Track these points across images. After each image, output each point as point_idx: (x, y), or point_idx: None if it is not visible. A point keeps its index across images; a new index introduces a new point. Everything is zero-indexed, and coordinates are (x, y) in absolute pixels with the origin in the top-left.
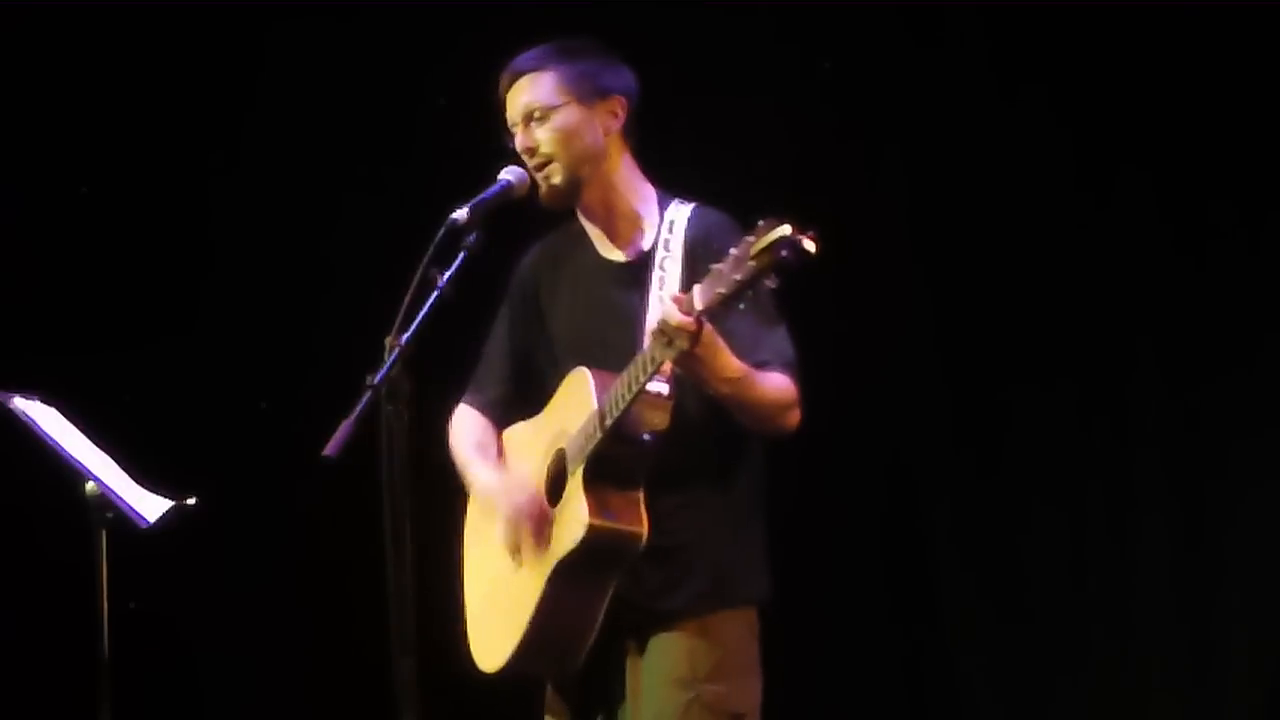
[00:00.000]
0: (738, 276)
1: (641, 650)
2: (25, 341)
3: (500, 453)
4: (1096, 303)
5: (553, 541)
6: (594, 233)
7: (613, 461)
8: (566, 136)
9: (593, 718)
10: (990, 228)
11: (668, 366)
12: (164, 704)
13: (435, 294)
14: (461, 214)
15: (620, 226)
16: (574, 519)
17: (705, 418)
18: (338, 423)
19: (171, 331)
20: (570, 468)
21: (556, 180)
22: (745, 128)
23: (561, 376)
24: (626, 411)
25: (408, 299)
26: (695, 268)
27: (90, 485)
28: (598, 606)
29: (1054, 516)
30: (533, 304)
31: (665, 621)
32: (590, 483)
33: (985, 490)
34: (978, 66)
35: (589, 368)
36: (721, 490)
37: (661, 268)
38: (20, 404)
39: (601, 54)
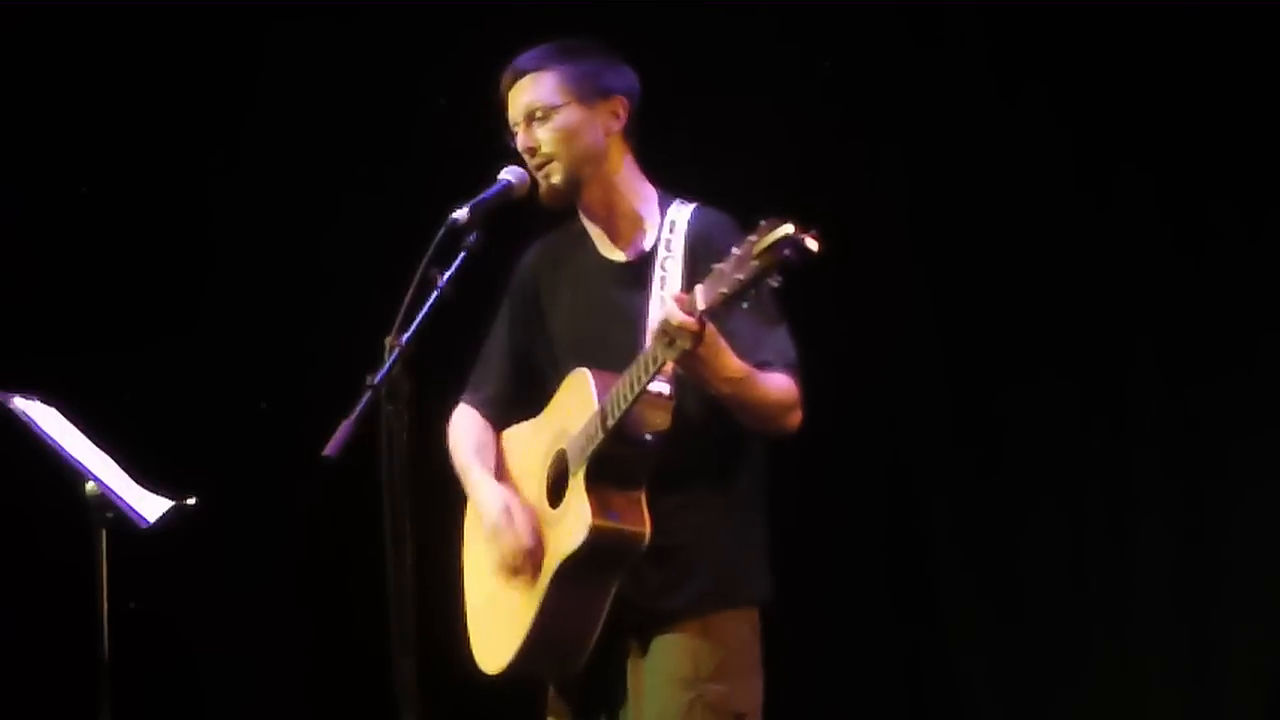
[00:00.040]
0: (740, 276)
1: (643, 650)
2: (25, 341)
3: (500, 454)
4: (1096, 303)
5: (556, 543)
6: (595, 232)
7: (614, 462)
8: (567, 136)
9: (594, 718)
10: (990, 227)
11: (669, 366)
12: (164, 704)
13: (435, 294)
14: (461, 214)
15: (621, 226)
16: (577, 520)
17: (706, 418)
18: (338, 423)
19: (171, 331)
20: (572, 468)
21: (556, 180)
22: (745, 128)
23: (561, 376)
24: (628, 412)
25: (408, 299)
26: (696, 268)
27: (90, 485)
28: (600, 607)
29: (1054, 517)
30: (533, 304)
31: (667, 621)
32: (592, 483)
33: (985, 490)
34: (978, 66)
35: (589, 368)
36: (722, 490)
37: (662, 268)
38: (20, 404)
39: (603, 54)
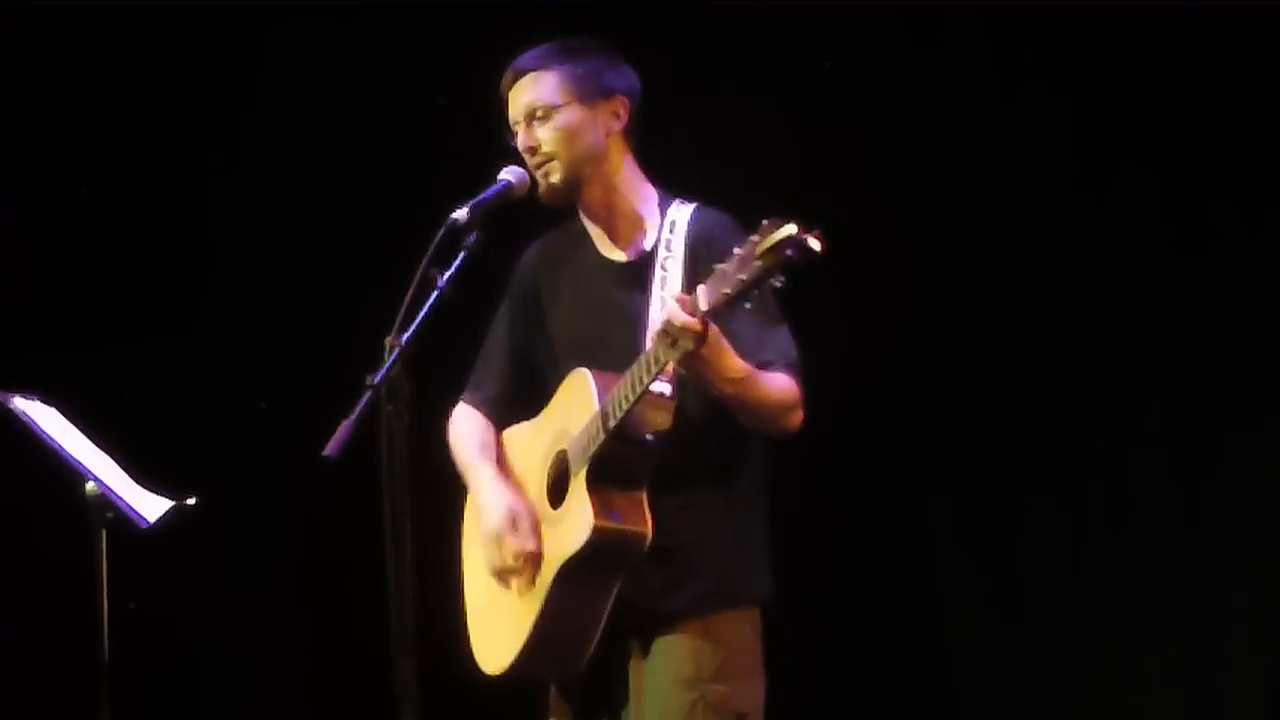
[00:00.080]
0: (743, 276)
1: (645, 651)
2: (25, 341)
3: (500, 454)
4: (1096, 302)
5: (557, 544)
6: (595, 232)
7: (616, 462)
8: (568, 136)
9: (596, 718)
10: (990, 227)
11: (670, 366)
12: (164, 704)
13: (435, 294)
14: (461, 214)
15: (621, 226)
16: (579, 521)
17: (707, 418)
18: (338, 423)
19: (171, 331)
20: (573, 469)
21: (555, 178)
22: (745, 128)
23: (561, 376)
24: (629, 412)
25: (408, 299)
26: (697, 268)
27: (90, 485)
28: (602, 608)
29: (1054, 516)
30: (533, 303)
31: (669, 622)
32: (594, 484)
33: (985, 490)
34: (978, 66)
35: (589, 368)
36: (724, 490)
37: (663, 268)
38: (20, 404)
39: (605, 54)
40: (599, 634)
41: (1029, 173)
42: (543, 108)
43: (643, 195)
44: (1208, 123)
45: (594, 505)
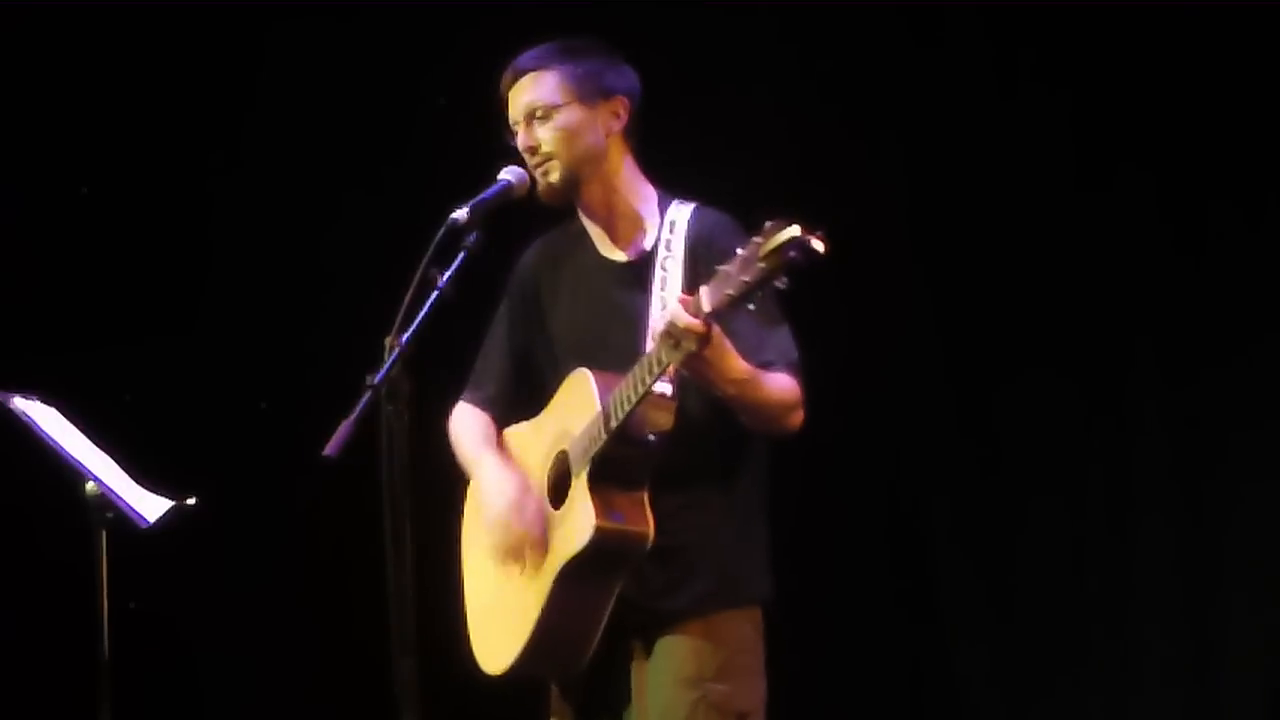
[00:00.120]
0: (746, 278)
1: (647, 650)
2: (25, 341)
3: (501, 451)
4: (1096, 302)
5: (558, 544)
6: (595, 232)
7: (617, 463)
8: (568, 136)
9: (597, 718)
10: (990, 227)
11: (672, 367)
12: (164, 704)
13: (435, 294)
14: (461, 214)
15: (621, 226)
16: (581, 521)
17: (708, 418)
18: (338, 423)
19: (171, 331)
20: (574, 469)
21: (554, 177)
22: (745, 127)
23: (561, 376)
24: (632, 413)
25: (408, 299)
26: (697, 268)
27: (90, 485)
28: (603, 608)
29: (1054, 517)
30: (532, 303)
31: (670, 622)
32: (595, 484)
33: (986, 490)
34: (978, 67)
35: (590, 368)
36: (724, 490)
37: (663, 268)
38: (20, 404)
39: (605, 54)
40: (600, 634)
41: (1029, 172)
42: (543, 108)
43: (642, 195)
44: (1208, 122)
45: (596, 506)
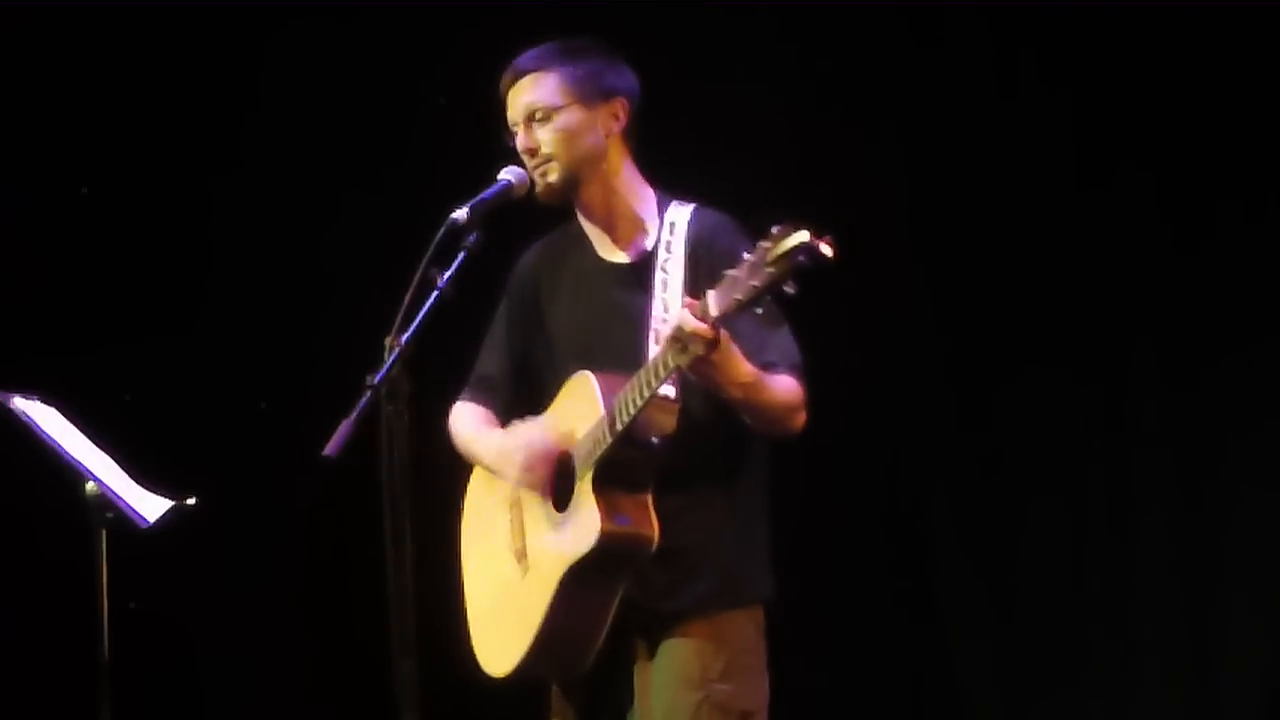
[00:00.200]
0: (755, 282)
1: (650, 651)
2: (25, 341)
3: None
4: (1096, 302)
5: (563, 546)
6: (594, 234)
7: (622, 466)
8: (568, 137)
9: (600, 719)
10: (990, 227)
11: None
12: (164, 704)
13: (435, 294)
14: (461, 214)
15: (620, 228)
16: (586, 524)
17: (710, 419)
18: (338, 423)
19: (172, 331)
20: (578, 472)
21: (553, 178)
22: (745, 127)
23: (560, 378)
24: (636, 417)
25: (408, 299)
26: (697, 268)
27: (90, 485)
28: (608, 610)
29: (1054, 517)
30: (532, 305)
31: (673, 622)
32: (600, 487)
33: (986, 490)
34: (978, 66)
35: (592, 370)
36: (727, 491)
37: (663, 269)
38: (20, 404)
39: (604, 54)
40: (604, 635)
41: (1029, 172)
42: (543, 109)
43: (641, 196)
44: (1208, 122)
45: (601, 509)
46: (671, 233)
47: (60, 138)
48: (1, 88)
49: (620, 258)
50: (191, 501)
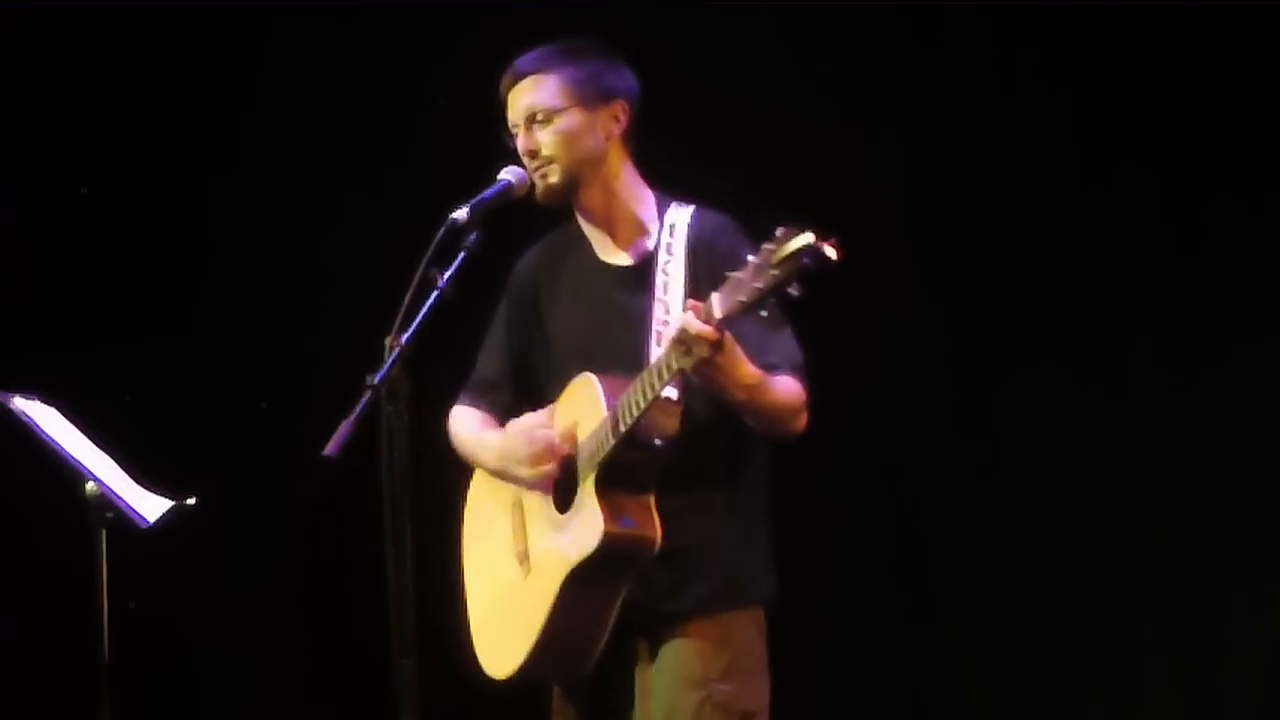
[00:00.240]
0: (759, 285)
1: (652, 651)
2: (25, 341)
3: None
4: (1096, 302)
5: (566, 548)
6: (594, 236)
7: (625, 467)
8: (569, 140)
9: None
10: (990, 227)
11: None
12: (164, 704)
13: (435, 294)
14: (461, 214)
15: (620, 230)
16: (589, 526)
17: (712, 420)
18: (338, 423)
19: (171, 331)
20: (581, 474)
21: (553, 180)
22: (746, 127)
23: (559, 379)
24: (640, 418)
25: (408, 299)
26: (698, 270)
27: (90, 485)
28: (610, 611)
29: (1054, 516)
30: (531, 307)
31: (675, 622)
32: (603, 489)
33: (986, 490)
34: (978, 66)
35: (594, 373)
36: (728, 491)
37: (664, 271)
38: (20, 404)
39: (605, 56)
40: (606, 637)
41: (1029, 172)
42: (543, 111)
43: (641, 199)
44: (1207, 122)
45: (604, 510)
46: (672, 234)
47: (60, 138)
48: (1, 88)
49: (620, 259)
50: (191, 501)
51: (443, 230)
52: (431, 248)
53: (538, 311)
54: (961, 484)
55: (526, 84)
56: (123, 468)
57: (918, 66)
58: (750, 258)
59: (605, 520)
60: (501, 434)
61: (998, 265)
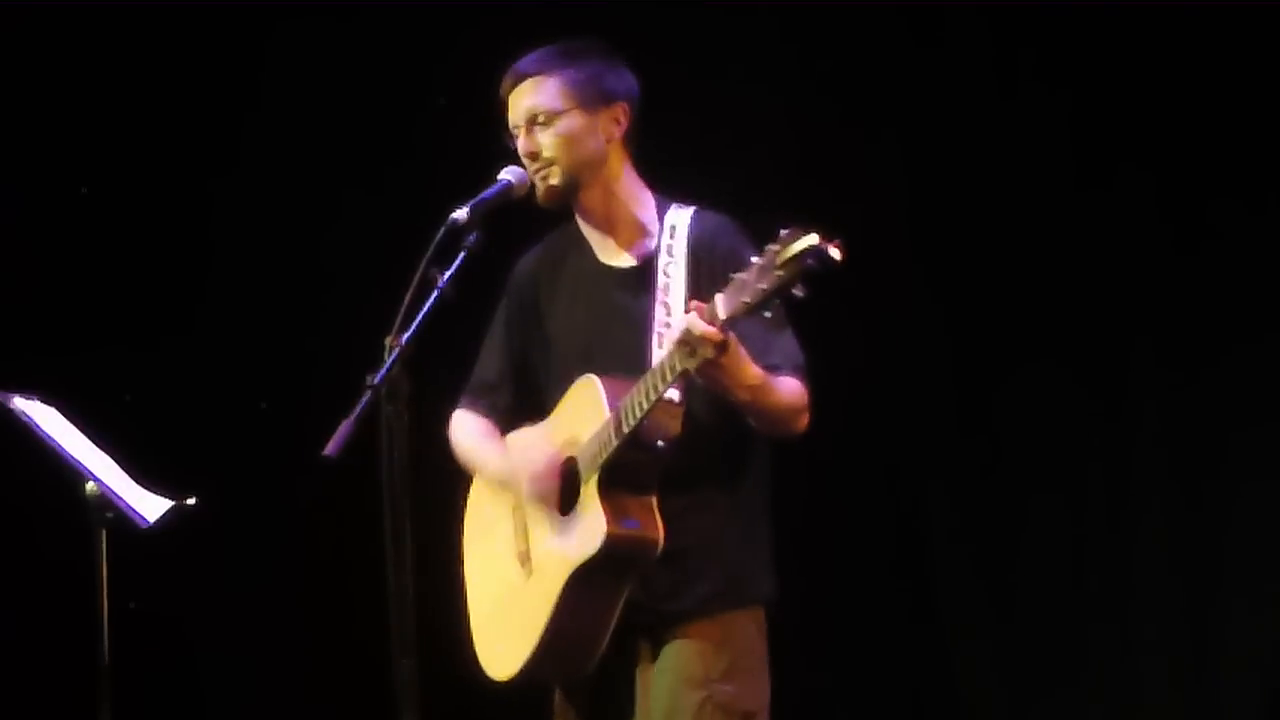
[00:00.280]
0: (764, 286)
1: (653, 652)
2: (25, 341)
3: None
4: (1096, 301)
5: (568, 549)
6: (594, 238)
7: (628, 469)
8: (569, 142)
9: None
10: (990, 227)
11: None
12: (164, 704)
13: (435, 294)
14: (461, 214)
15: (621, 232)
16: (591, 527)
17: (713, 421)
18: (338, 423)
19: (172, 331)
20: (583, 475)
21: (554, 182)
22: (746, 127)
23: (559, 380)
24: (643, 420)
25: (408, 299)
26: (699, 271)
27: (90, 485)
28: (612, 612)
29: (1054, 516)
30: (531, 309)
31: (676, 622)
32: (606, 490)
33: (985, 490)
34: (978, 66)
35: (597, 375)
36: (729, 491)
37: (665, 273)
38: (20, 404)
39: (606, 57)
40: (608, 638)
41: (1029, 172)
42: (544, 113)
43: (641, 201)
44: (1207, 122)
45: (607, 512)
46: (672, 236)
47: (60, 138)
48: (1, 88)
49: (621, 261)
50: (191, 501)
51: (443, 230)
52: (431, 248)
53: (537, 312)
54: (961, 484)
55: (527, 86)
56: (123, 468)
57: (918, 67)
58: (754, 259)
59: (608, 521)
60: (501, 451)
61: (998, 265)
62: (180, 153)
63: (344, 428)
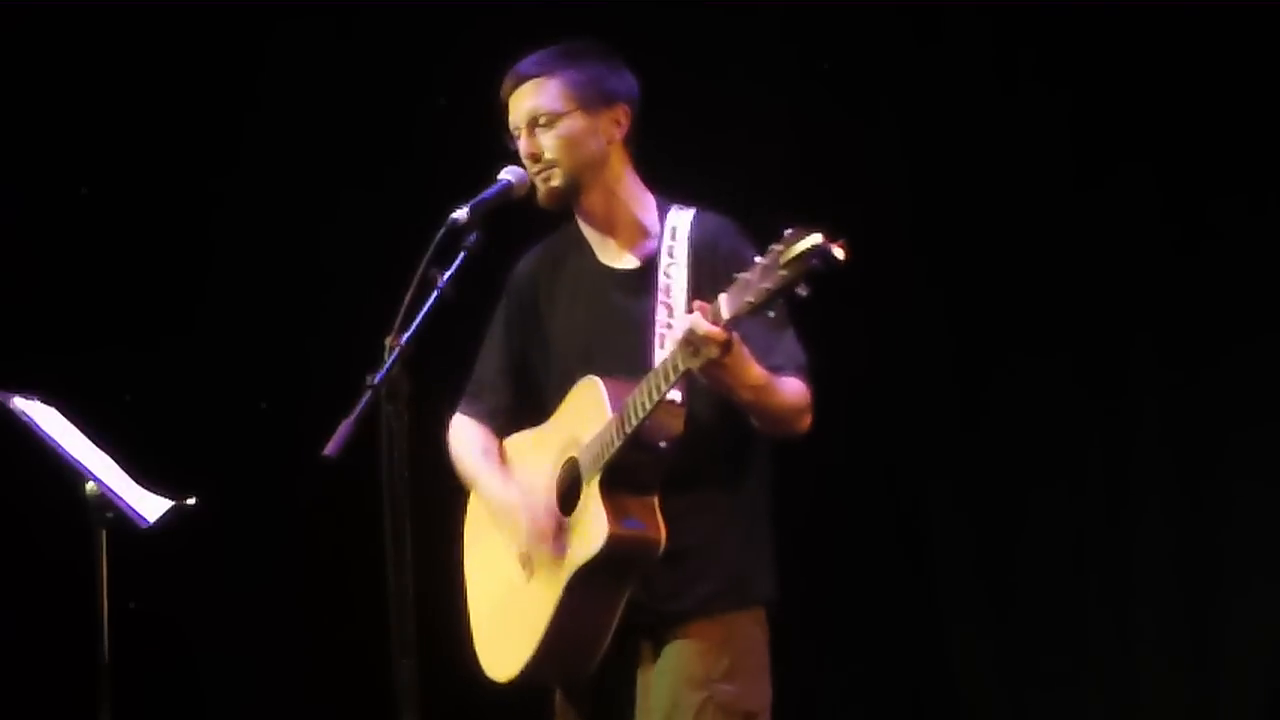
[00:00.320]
0: (767, 285)
1: (654, 652)
2: (25, 341)
3: (503, 460)
4: (1096, 300)
5: (570, 550)
6: (594, 239)
7: (629, 469)
8: (570, 144)
9: None
10: (991, 225)
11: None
12: (164, 704)
13: (435, 294)
14: (461, 214)
15: (621, 233)
16: (593, 528)
17: (715, 421)
18: (338, 423)
19: (172, 331)
20: (585, 476)
21: (555, 183)
22: (746, 127)
23: (558, 381)
24: (645, 420)
25: (408, 299)
26: (701, 272)
27: (90, 485)
28: (613, 613)
29: (1055, 516)
30: (530, 310)
31: (677, 623)
32: (607, 491)
33: (986, 489)
34: (979, 65)
35: (599, 376)
36: (730, 492)
37: (666, 274)
38: (20, 404)
39: (606, 58)
40: (610, 638)
41: (1029, 171)
42: (545, 115)
43: (642, 202)
44: (1207, 121)
45: (609, 512)
46: (673, 237)
47: (60, 138)
48: (1, 88)
49: (622, 263)
50: (191, 501)
51: (443, 230)
52: (431, 248)
53: (537, 312)
54: (962, 483)
55: (528, 87)
56: (123, 468)
57: (918, 66)
58: (758, 259)
59: (610, 522)
60: (502, 473)
61: (998, 264)
62: (180, 153)
63: (344, 428)
